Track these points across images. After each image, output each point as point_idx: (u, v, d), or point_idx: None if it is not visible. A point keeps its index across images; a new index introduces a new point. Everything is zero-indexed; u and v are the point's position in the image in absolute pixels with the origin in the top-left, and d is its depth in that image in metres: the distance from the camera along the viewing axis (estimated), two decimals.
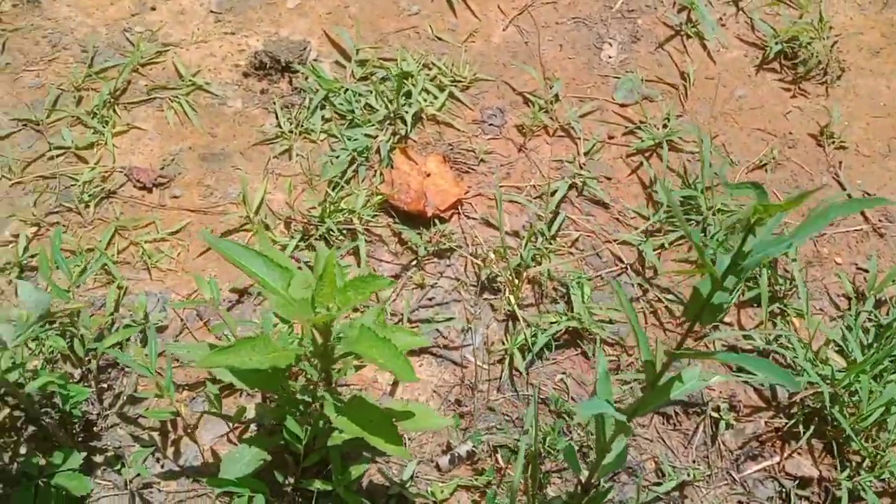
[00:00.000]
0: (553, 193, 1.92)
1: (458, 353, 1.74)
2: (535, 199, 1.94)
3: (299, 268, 1.37)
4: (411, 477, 1.58)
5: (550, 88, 2.10)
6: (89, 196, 1.86)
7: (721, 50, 2.23)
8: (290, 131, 2.00)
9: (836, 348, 1.75)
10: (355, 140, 1.97)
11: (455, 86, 2.10)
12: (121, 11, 2.19)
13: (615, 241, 1.88)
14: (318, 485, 1.47)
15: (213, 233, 1.84)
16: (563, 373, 1.72)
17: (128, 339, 1.63)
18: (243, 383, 1.34)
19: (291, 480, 1.51)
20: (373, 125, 2.01)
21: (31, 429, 1.55)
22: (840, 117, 2.10)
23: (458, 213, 1.91)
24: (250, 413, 1.57)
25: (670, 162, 2.01)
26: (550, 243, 1.84)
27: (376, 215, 1.88)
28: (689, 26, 2.25)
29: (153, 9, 2.20)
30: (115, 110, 2.00)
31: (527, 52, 2.19)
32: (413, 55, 2.13)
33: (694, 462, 1.63)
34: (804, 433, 1.64)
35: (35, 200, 1.86)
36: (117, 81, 2.03)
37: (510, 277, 1.76)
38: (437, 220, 1.88)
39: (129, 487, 1.55)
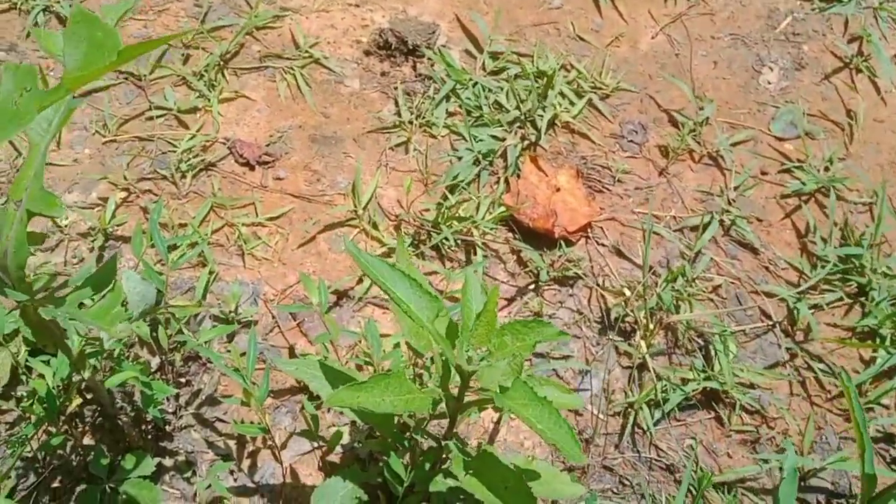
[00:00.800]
0: (699, 229, 1.70)
1: None
2: (675, 231, 1.72)
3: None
4: None
5: (701, 109, 1.88)
6: (187, 166, 1.69)
7: (894, 91, 1.98)
8: (410, 122, 1.81)
9: None
10: (481, 141, 1.77)
11: (595, 93, 1.88)
12: None
13: (763, 293, 1.65)
14: None
15: (317, 224, 1.66)
16: (693, 437, 1.50)
17: (231, 338, 1.46)
18: (356, 416, 1.16)
19: None
20: (501, 126, 1.81)
21: (94, 417, 1.39)
22: None
23: (588, 237, 1.70)
24: (345, 438, 1.39)
25: (829, 209, 1.77)
26: (691, 286, 1.62)
27: (494, 228, 1.68)
28: (860, 59, 2.00)
29: None
30: (223, 74, 1.83)
31: (676, 66, 1.96)
32: (552, 53, 1.92)
33: None
34: None
35: (128, 163, 1.69)
36: (230, 43, 1.85)
37: (644, 320, 1.55)
38: (562, 242, 1.67)
39: (197, 500, 1.38)
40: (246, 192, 1.69)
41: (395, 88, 1.86)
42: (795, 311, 1.62)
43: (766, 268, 1.69)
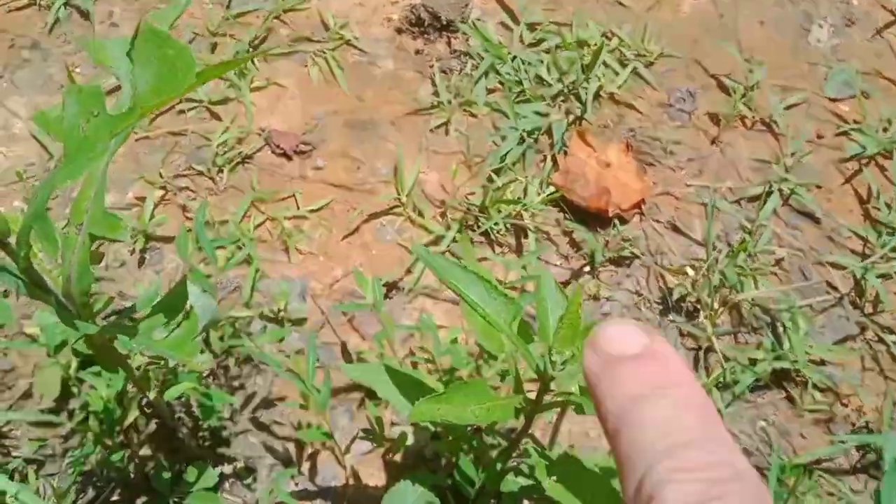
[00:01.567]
0: (757, 200, 1.63)
1: None
2: (731, 203, 1.65)
3: None
4: None
5: (751, 73, 1.79)
6: (223, 160, 1.63)
7: None
8: (448, 101, 1.74)
9: None
10: (525, 118, 1.70)
11: (639, 61, 1.81)
12: None
13: (828, 263, 1.59)
14: None
15: (360, 214, 1.60)
16: (765, 419, 1.45)
17: (281, 339, 1.42)
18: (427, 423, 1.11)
19: None
20: (544, 101, 1.73)
21: (151, 428, 1.36)
22: None
23: (642, 214, 1.64)
24: (410, 439, 1.34)
25: (890, 173, 1.70)
26: (753, 261, 1.56)
27: (544, 209, 1.62)
28: None
29: None
30: (253, 62, 1.76)
31: (721, 28, 1.87)
32: (591, 21, 1.84)
33: None
34: None
35: (163, 159, 1.64)
36: (258, 29, 1.78)
37: (708, 300, 1.49)
38: (616, 221, 1.61)
39: None
40: (285, 184, 1.63)
41: (431, 67, 1.79)
42: (863, 282, 1.56)
43: (830, 237, 1.62)
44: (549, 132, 1.70)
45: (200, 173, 1.63)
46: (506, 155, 1.66)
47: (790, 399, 1.47)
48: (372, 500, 1.37)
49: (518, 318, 0.94)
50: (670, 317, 1.54)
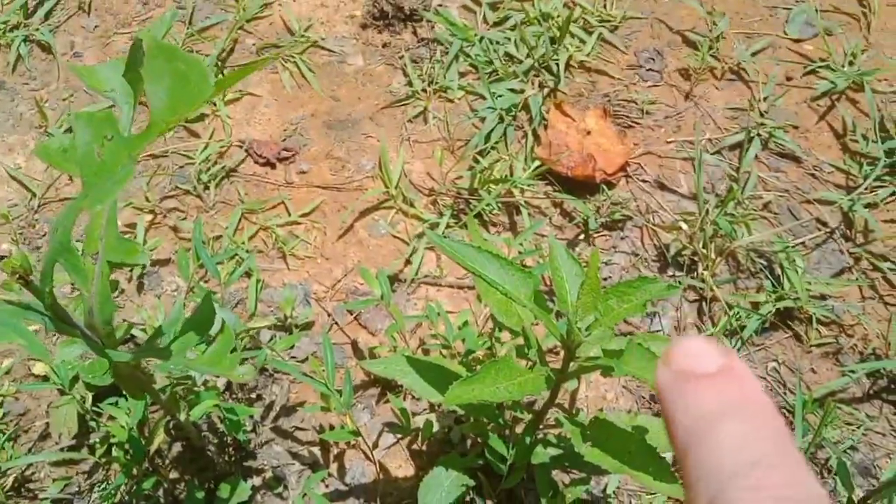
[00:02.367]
0: (738, 147, 1.65)
1: None
2: (713, 154, 1.67)
3: None
4: (615, 492, 1.37)
5: (714, 25, 1.82)
6: (208, 176, 1.62)
7: None
8: (423, 90, 1.74)
9: None
10: (500, 96, 1.71)
11: (604, 26, 1.82)
12: None
13: (815, 200, 1.62)
14: None
15: (352, 213, 1.61)
16: (774, 359, 1.48)
17: (291, 346, 1.42)
18: (459, 406, 1.12)
19: None
20: (517, 78, 1.74)
21: (175, 450, 1.35)
22: None
23: (628, 176, 1.66)
24: (434, 427, 1.35)
25: (862, 105, 1.73)
26: (743, 207, 1.59)
27: (532, 184, 1.63)
28: None
29: None
30: (223, 74, 1.75)
31: None
32: None
33: None
34: None
35: (147, 183, 1.62)
36: (223, 41, 1.77)
37: (704, 251, 1.51)
38: (604, 186, 1.63)
39: None
40: (273, 193, 1.63)
41: (401, 58, 1.79)
42: (851, 214, 1.59)
43: (813, 175, 1.65)
44: (526, 108, 1.71)
45: (187, 192, 1.62)
46: (488, 135, 1.67)
47: (797, 337, 1.50)
48: (403, 491, 1.38)
49: (536, 290, 0.95)
50: (669, 272, 1.56)
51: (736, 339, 1.47)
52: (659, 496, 1.36)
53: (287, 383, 1.45)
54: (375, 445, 1.38)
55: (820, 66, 1.77)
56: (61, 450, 1.37)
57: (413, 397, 1.45)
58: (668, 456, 1.40)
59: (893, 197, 1.61)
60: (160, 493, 1.32)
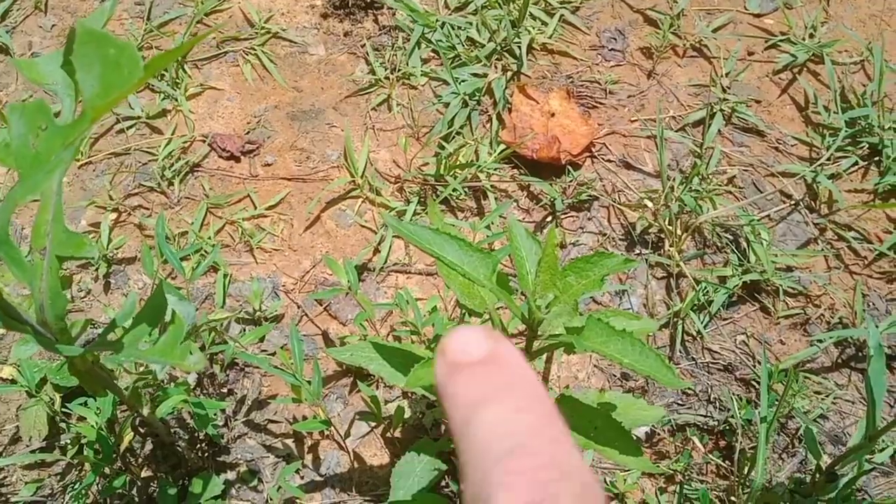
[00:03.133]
0: (701, 124, 1.66)
1: None
2: (677, 131, 1.68)
3: None
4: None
5: (675, 2, 1.82)
6: (171, 172, 1.61)
7: None
8: (386, 77, 1.73)
9: None
10: (463, 81, 1.70)
11: (565, 7, 1.82)
12: None
13: (779, 173, 1.63)
14: None
15: (318, 203, 1.60)
16: (743, 332, 1.49)
17: (261, 339, 1.41)
18: (425, 389, 1.12)
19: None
20: (480, 62, 1.74)
21: (147, 447, 1.35)
22: None
23: (593, 156, 1.66)
24: (406, 413, 1.35)
25: (823, 77, 1.74)
26: (707, 183, 1.60)
27: (498, 168, 1.63)
28: None
29: None
30: (184, 69, 1.73)
31: None
32: None
33: None
34: None
35: (110, 182, 1.61)
36: (183, 36, 1.76)
37: (670, 228, 1.52)
38: (569, 167, 1.63)
39: None
40: (238, 186, 1.62)
41: (363, 46, 1.78)
42: (815, 186, 1.60)
43: (776, 148, 1.66)
44: (490, 92, 1.71)
45: (151, 189, 1.61)
46: (452, 120, 1.66)
47: (764, 309, 1.51)
48: (379, 479, 1.38)
49: (496, 271, 0.95)
50: (636, 250, 1.56)
51: (704, 314, 1.48)
52: (633, 473, 1.37)
53: (258, 377, 1.44)
54: (348, 434, 1.38)
55: (781, 40, 1.78)
56: (32, 452, 1.36)
57: (387, 386, 1.45)
58: (640, 431, 1.42)
59: (856, 167, 1.63)
60: (134, 491, 1.32)
